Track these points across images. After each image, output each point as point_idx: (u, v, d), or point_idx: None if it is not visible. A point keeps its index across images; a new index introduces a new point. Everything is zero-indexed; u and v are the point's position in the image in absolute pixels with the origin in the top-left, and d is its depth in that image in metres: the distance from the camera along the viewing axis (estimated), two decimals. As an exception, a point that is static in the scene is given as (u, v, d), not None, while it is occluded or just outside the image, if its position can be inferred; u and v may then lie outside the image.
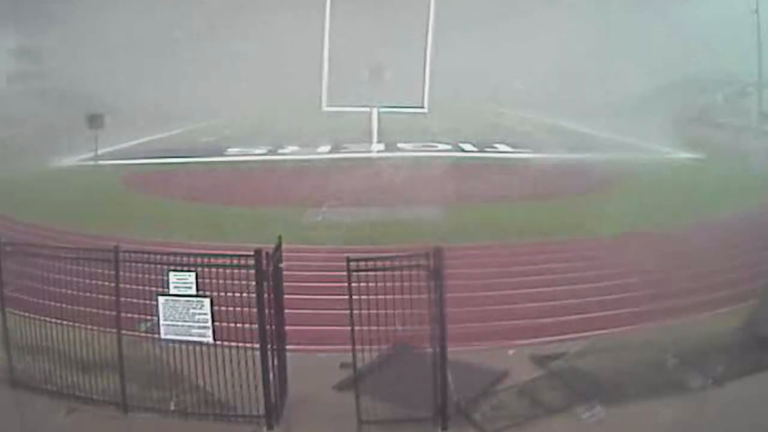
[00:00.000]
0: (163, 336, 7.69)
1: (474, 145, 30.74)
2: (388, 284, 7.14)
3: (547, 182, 21.96)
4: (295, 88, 42.36)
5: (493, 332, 9.78)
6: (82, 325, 8.17)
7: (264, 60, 44.27)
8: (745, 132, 31.97)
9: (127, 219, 16.77)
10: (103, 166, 26.38)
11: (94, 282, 8.08)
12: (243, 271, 7.39)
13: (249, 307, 7.44)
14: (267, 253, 7.48)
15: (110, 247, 7.89)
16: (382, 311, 7.17)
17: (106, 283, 7.93)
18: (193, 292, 7.51)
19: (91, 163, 26.80)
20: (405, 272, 7.26)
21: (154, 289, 7.64)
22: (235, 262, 7.42)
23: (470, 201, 18.91)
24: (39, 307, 8.37)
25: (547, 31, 42.65)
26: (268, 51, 44.14)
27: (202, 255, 7.65)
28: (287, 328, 8.15)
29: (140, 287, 7.77)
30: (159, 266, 7.61)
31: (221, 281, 7.43)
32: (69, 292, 8.16)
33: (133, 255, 7.81)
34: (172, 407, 7.83)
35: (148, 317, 7.80)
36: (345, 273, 7.31)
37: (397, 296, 7.16)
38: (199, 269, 7.54)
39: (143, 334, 8.02)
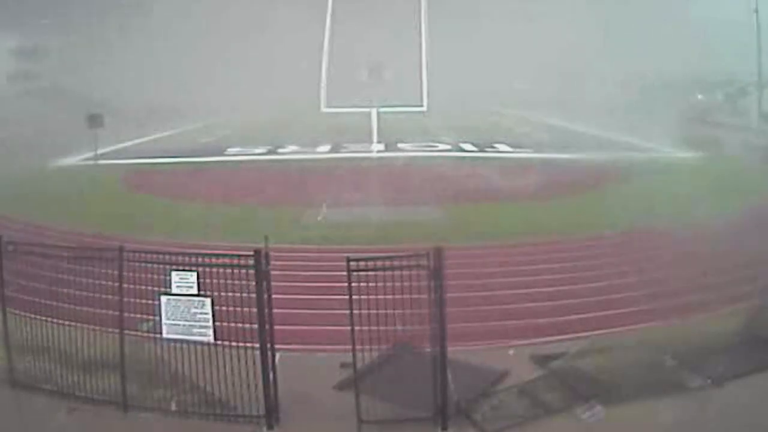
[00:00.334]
0: (165, 335, 7.70)
1: (474, 145, 30.74)
2: (388, 284, 7.15)
3: (547, 182, 21.95)
4: (295, 87, 42.44)
5: (493, 332, 9.78)
6: (83, 325, 8.17)
7: (264, 60, 44.31)
8: (745, 131, 32.00)
9: (127, 218, 16.78)
10: (103, 166, 26.39)
11: (95, 281, 8.09)
12: (243, 271, 7.40)
13: (249, 307, 7.45)
14: (267, 253, 7.48)
15: (112, 247, 7.91)
16: (382, 311, 7.17)
17: (108, 283, 7.94)
18: (195, 291, 7.53)
19: (91, 162, 26.80)
20: (405, 272, 7.27)
21: (155, 288, 7.65)
22: (235, 262, 7.43)
23: (470, 201, 18.91)
24: (40, 307, 8.37)
25: (547, 31, 42.71)
26: (268, 51, 44.16)
27: (203, 255, 7.66)
28: (287, 328, 8.15)
29: (142, 286, 7.78)
30: (160, 266, 7.62)
31: (221, 281, 7.44)
32: (70, 291, 8.16)
33: (135, 254, 7.82)
34: (173, 407, 7.83)
35: (150, 317, 7.81)
36: (345, 273, 7.32)
37: (397, 296, 7.16)
38: (200, 269, 7.56)
39: (145, 334, 8.03)
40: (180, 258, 7.60)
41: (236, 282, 7.37)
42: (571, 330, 9.79)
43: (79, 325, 8.19)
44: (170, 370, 7.89)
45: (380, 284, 7.13)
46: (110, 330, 7.97)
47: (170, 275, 7.59)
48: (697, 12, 38.46)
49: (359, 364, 7.48)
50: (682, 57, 37.04)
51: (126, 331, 7.92)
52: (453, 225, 16.01)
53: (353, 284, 7.24)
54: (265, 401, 7.54)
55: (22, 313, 8.61)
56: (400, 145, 30.51)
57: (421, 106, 30.65)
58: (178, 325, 7.62)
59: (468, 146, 30.70)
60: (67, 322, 8.22)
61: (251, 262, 7.40)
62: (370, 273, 7.24)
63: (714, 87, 38.04)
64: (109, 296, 7.94)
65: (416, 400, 7.57)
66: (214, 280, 7.49)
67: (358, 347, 7.37)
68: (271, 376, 7.57)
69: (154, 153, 29.69)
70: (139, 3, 42.29)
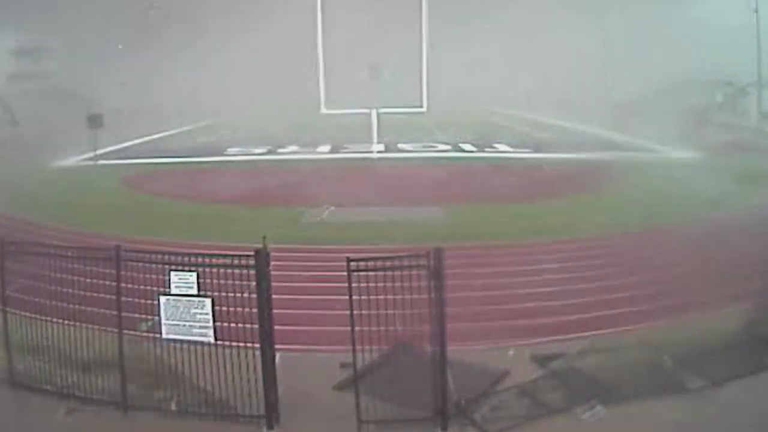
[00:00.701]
0: (164, 336, 7.70)
1: (474, 145, 30.75)
2: (389, 284, 7.15)
3: (547, 182, 21.98)
4: (295, 87, 42.40)
5: (493, 332, 9.78)
6: (83, 325, 8.17)
7: (264, 60, 44.29)
8: (744, 131, 32.01)
9: (126, 218, 16.79)
10: (103, 166, 26.40)
11: (95, 281, 8.09)
12: (243, 271, 7.40)
13: (249, 307, 7.45)
14: (267, 254, 7.48)
15: (111, 246, 7.90)
16: (382, 311, 7.17)
17: (108, 283, 7.94)
18: (195, 291, 7.52)
19: (91, 163, 26.80)
20: (405, 272, 7.27)
21: (155, 288, 7.65)
22: (235, 262, 7.43)
23: (470, 201, 18.92)
24: (39, 307, 8.37)
25: (548, 31, 42.69)
26: (268, 51, 44.15)
27: (203, 255, 7.66)
28: (287, 328, 8.15)
29: (141, 287, 7.78)
30: (160, 266, 7.62)
31: (221, 281, 7.44)
32: (70, 291, 8.15)
33: (134, 254, 7.82)
34: (173, 407, 7.83)
35: (149, 317, 7.81)
36: (345, 273, 7.32)
37: (398, 296, 7.16)
38: (200, 269, 7.55)
39: (144, 334, 8.03)
40: (179, 258, 7.59)
41: (236, 282, 7.37)
42: (571, 330, 9.79)
43: (78, 324, 8.18)
44: (170, 370, 7.89)
45: (380, 284, 7.13)
46: (111, 330, 7.97)
47: (169, 275, 7.59)
48: (696, 12, 38.45)
49: (359, 364, 7.48)
50: (682, 57, 37.03)
51: (125, 331, 7.92)
52: (453, 225, 16.01)
53: (353, 284, 7.24)
54: (265, 401, 7.54)
55: (22, 313, 8.61)
56: (400, 146, 30.52)
57: (421, 107, 30.60)
58: (178, 325, 7.62)
59: (468, 146, 30.72)
60: (66, 322, 8.21)
61: (251, 262, 7.40)
62: (370, 273, 7.24)
63: (714, 87, 38.03)
64: (109, 296, 7.94)
65: (416, 400, 7.58)
66: (214, 281, 7.49)
67: (358, 347, 7.37)
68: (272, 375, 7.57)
69: (154, 153, 29.71)
70: (139, 3, 42.31)
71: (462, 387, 7.86)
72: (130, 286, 7.86)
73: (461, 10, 43.22)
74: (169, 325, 7.65)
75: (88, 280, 8.14)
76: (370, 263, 7.30)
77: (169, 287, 7.59)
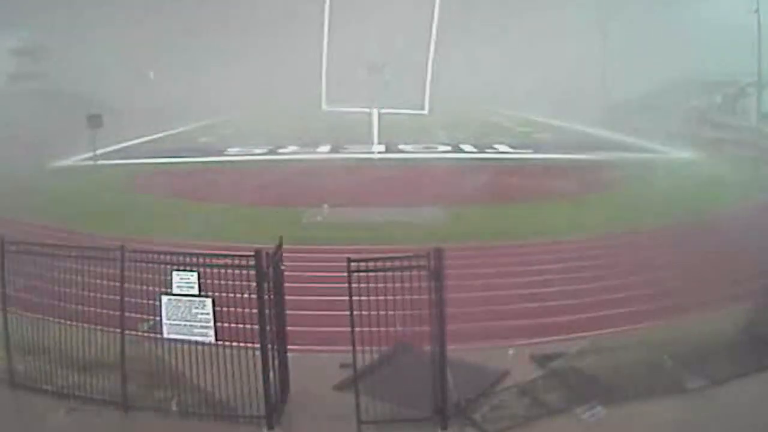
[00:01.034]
0: (165, 335, 7.71)
1: (474, 146, 30.75)
2: (389, 285, 7.15)
3: (547, 182, 21.98)
4: (296, 88, 42.39)
5: (493, 332, 9.79)
6: (84, 325, 8.18)
7: (264, 60, 44.29)
8: (744, 132, 31.99)
9: (126, 218, 16.79)
10: (102, 166, 26.38)
11: (96, 281, 8.09)
12: (244, 271, 7.40)
13: (250, 307, 7.45)
14: (267, 254, 7.49)
15: (113, 247, 7.91)
16: (382, 312, 7.17)
17: (109, 282, 7.94)
18: (196, 291, 7.53)
19: (90, 163, 26.79)
20: (405, 273, 7.27)
21: (157, 288, 7.66)
22: (236, 262, 7.44)
23: (470, 201, 18.92)
24: (40, 307, 8.37)
25: (549, 32, 42.68)
26: (268, 51, 44.16)
27: (204, 255, 7.66)
28: (287, 328, 8.15)
29: (142, 287, 7.78)
30: (160, 266, 7.62)
31: (222, 281, 7.44)
32: (71, 291, 8.16)
33: (136, 254, 7.82)
34: (173, 407, 7.83)
35: (150, 317, 7.81)
36: (345, 273, 7.32)
37: (398, 297, 7.17)
38: (201, 269, 7.56)
39: (145, 334, 8.03)
40: (181, 258, 7.60)
41: (236, 282, 7.38)
42: (571, 330, 9.80)
43: (80, 324, 8.19)
44: (171, 370, 7.89)
45: (380, 285, 7.14)
46: (112, 329, 7.97)
47: (171, 275, 7.59)
48: (696, 12, 38.46)
49: (359, 365, 7.48)
50: (682, 57, 37.02)
51: (127, 331, 7.92)
52: (453, 225, 16.02)
53: (353, 285, 7.24)
54: (265, 401, 7.54)
55: (22, 313, 8.61)
56: (400, 146, 30.51)
57: (423, 109, 30.55)
58: (179, 325, 7.62)
59: (468, 147, 30.72)
60: (67, 322, 8.21)
61: (252, 262, 7.40)
62: (370, 273, 7.24)
63: (714, 87, 38.03)
64: (111, 295, 7.94)
65: (416, 400, 7.58)
66: (215, 281, 7.50)
67: (358, 348, 7.38)
68: (271, 376, 7.57)
69: (154, 153, 29.70)
70: (139, 3, 42.28)
71: (462, 387, 7.86)
72: (131, 285, 7.87)
73: (463, 12, 43.21)
74: (171, 324, 7.66)
75: (87, 280, 8.14)
76: (371, 263, 7.31)
77: (171, 287, 7.60)
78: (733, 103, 37.23)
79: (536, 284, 11.71)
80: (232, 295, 7.37)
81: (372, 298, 7.15)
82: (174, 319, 7.62)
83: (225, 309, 7.53)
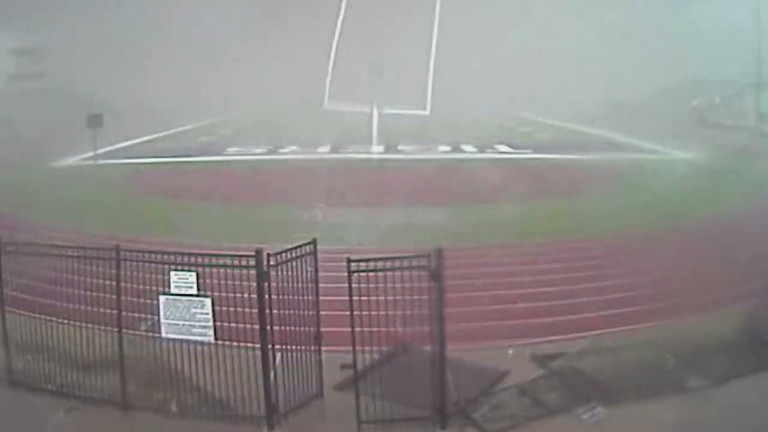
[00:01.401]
0: (164, 335, 7.70)
1: (474, 146, 30.74)
2: (389, 285, 7.15)
3: (547, 182, 21.99)
4: (296, 87, 42.41)
5: (493, 332, 9.78)
6: (83, 324, 8.17)
7: (264, 59, 44.31)
8: (743, 132, 32.03)
9: (126, 218, 16.78)
10: (102, 166, 26.37)
11: (95, 281, 8.08)
12: (244, 271, 7.40)
13: (250, 307, 7.45)
14: (267, 254, 7.47)
15: (111, 246, 7.90)
16: (382, 312, 7.17)
17: (107, 282, 7.93)
18: (194, 291, 7.52)
19: (90, 163, 26.78)
20: (405, 273, 7.27)
21: (155, 288, 7.65)
22: (236, 262, 7.43)
23: (470, 202, 18.92)
24: (39, 306, 8.36)
25: (547, 32, 42.72)
26: (268, 51, 44.17)
27: (204, 255, 7.66)
28: (288, 328, 8.14)
29: (141, 286, 7.77)
30: (160, 265, 7.62)
31: (222, 282, 7.43)
32: (69, 290, 8.15)
33: (134, 254, 7.82)
34: (173, 407, 7.82)
35: (149, 316, 7.81)
36: (345, 273, 7.31)
37: (398, 297, 7.16)
38: (201, 269, 7.55)
39: (144, 333, 8.02)
40: (179, 258, 7.59)
41: (236, 282, 7.37)
42: (571, 330, 9.79)
43: (79, 324, 8.18)
44: (170, 370, 7.88)
45: (381, 285, 7.13)
46: (111, 329, 7.96)
47: (169, 275, 7.59)
48: (696, 13, 38.49)
49: (359, 365, 7.48)
50: (681, 58, 37.08)
51: (125, 331, 7.92)
52: (453, 225, 16.00)
53: (353, 285, 7.24)
54: (266, 401, 7.53)
55: (22, 313, 8.61)
56: (400, 147, 30.50)
57: (425, 109, 30.55)
58: (178, 324, 7.61)
59: (468, 147, 30.71)
60: (67, 322, 8.21)
61: (252, 262, 7.39)
62: (370, 274, 7.24)
63: (713, 88, 38.07)
64: (110, 295, 7.93)
65: (416, 400, 7.58)
66: (215, 281, 7.49)
67: (358, 348, 7.37)
68: (272, 376, 7.56)
69: (154, 153, 29.68)
70: (139, 3, 42.30)
71: (462, 387, 7.86)
72: (130, 285, 7.86)
73: (463, 12, 43.23)
74: (169, 324, 7.65)
75: (87, 280, 8.13)
76: (371, 264, 7.30)
77: (169, 287, 7.59)
78: (731, 104, 37.29)
79: (536, 284, 11.70)
80: (232, 294, 7.36)
81: (372, 298, 7.15)
82: (172, 319, 7.62)
83: (225, 309, 7.52)
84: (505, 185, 21.37)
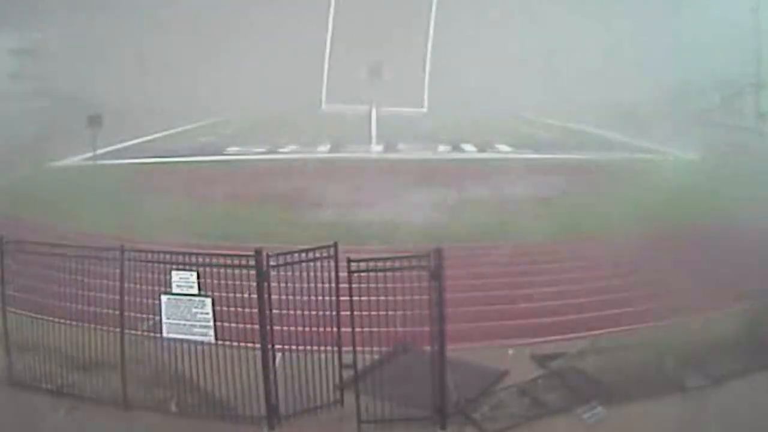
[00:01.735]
0: (165, 335, 7.71)
1: (474, 146, 30.72)
2: (389, 285, 7.15)
3: (547, 183, 21.96)
4: (295, 87, 42.39)
5: (494, 332, 9.78)
6: (84, 324, 8.17)
7: (264, 59, 44.28)
8: (743, 132, 32.03)
9: (126, 218, 16.75)
10: (102, 166, 26.36)
11: (95, 281, 8.09)
12: (244, 271, 7.40)
13: (250, 307, 7.46)
14: (267, 254, 7.48)
15: (113, 246, 7.91)
16: (382, 312, 7.18)
17: (108, 282, 7.94)
18: (195, 291, 7.53)
19: (90, 163, 26.77)
20: (405, 273, 7.27)
21: (157, 288, 7.65)
22: (236, 262, 7.44)
23: (470, 202, 18.91)
24: (40, 306, 8.37)
25: (547, 32, 42.72)
26: (268, 50, 44.15)
27: (204, 255, 7.66)
28: (286, 329, 8.14)
29: (142, 286, 7.78)
30: (161, 265, 7.62)
31: (222, 282, 7.44)
32: (70, 290, 8.16)
33: (136, 254, 7.82)
34: (173, 407, 7.83)
35: (150, 316, 7.81)
36: (345, 273, 7.32)
37: (398, 297, 7.17)
38: (202, 269, 7.56)
39: (145, 333, 8.03)
40: (180, 258, 7.60)
41: (236, 282, 7.38)
42: (571, 330, 9.79)
43: (80, 324, 8.19)
44: (171, 370, 7.89)
45: (381, 285, 7.14)
46: (112, 329, 7.97)
47: (170, 275, 7.60)
48: (696, 13, 38.48)
49: (360, 365, 7.48)
50: (681, 58, 37.06)
51: (126, 330, 7.92)
52: (453, 225, 16.00)
53: (353, 285, 7.24)
54: (266, 401, 7.54)
55: (22, 312, 8.61)
56: (399, 146, 30.50)
57: (423, 107, 30.55)
58: (179, 324, 7.63)
59: (468, 146, 30.70)
60: (68, 321, 8.21)
61: (252, 262, 7.40)
62: (370, 274, 7.24)
63: (713, 88, 38.07)
64: (111, 295, 7.94)
65: (416, 399, 7.59)
66: (215, 281, 7.50)
67: (358, 348, 7.38)
68: (272, 376, 7.57)
69: (153, 153, 29.67)
70: (139, 3, 42.29)
71: (462, 387, 7.87)
72: (131, 285, 7.87)
73: (464, 12, 43.23)
74: (170, 324, 7.66)
75: (87, 280, 8.14)
76: (371, 264, 7.31)
77: (170, 287, 7.60)
78: (731, 104, 37.29)
79: (536, 284, 11.69)
80: (232, 294, 7.37)
81: (372, 298, 7.15)
82: (173, 319, 7.63)
83: (225, 309, 7.53)
84: (505, 185, 21.38)
